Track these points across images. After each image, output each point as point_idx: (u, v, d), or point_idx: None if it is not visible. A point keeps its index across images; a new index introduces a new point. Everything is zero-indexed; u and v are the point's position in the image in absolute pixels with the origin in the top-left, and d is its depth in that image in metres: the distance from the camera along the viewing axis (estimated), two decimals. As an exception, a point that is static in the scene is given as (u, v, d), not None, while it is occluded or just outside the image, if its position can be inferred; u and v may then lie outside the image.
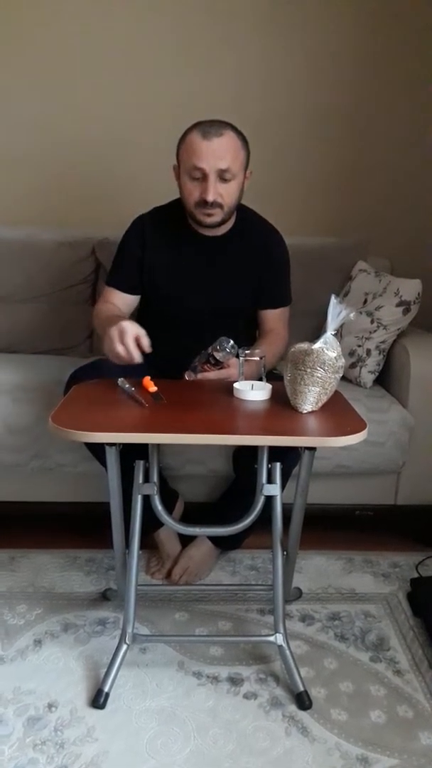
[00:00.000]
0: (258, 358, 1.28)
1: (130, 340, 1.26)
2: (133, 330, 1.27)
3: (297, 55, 2.14)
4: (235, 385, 1.25)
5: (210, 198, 1.40)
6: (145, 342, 1.28)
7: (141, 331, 1.28)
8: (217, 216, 1.45)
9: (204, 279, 1.55)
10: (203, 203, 1.42)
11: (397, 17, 2.12)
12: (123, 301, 1.57)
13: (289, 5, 2.10)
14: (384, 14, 2.11)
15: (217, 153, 1.38)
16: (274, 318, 1.62)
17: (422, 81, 2.18)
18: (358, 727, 1.20)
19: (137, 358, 1.26)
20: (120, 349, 1.26)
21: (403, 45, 2.15)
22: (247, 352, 1.27)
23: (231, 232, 1.55)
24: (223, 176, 1.40)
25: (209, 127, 1.39)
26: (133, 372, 1.32)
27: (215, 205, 1.42)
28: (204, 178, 1.40)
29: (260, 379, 1.28)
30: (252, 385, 1.25)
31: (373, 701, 1.26)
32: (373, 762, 1.12)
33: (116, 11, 2.09)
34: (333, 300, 1.18)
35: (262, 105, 2.17)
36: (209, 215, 1.45)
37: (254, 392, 1.23)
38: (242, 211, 1.56)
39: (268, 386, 1.24)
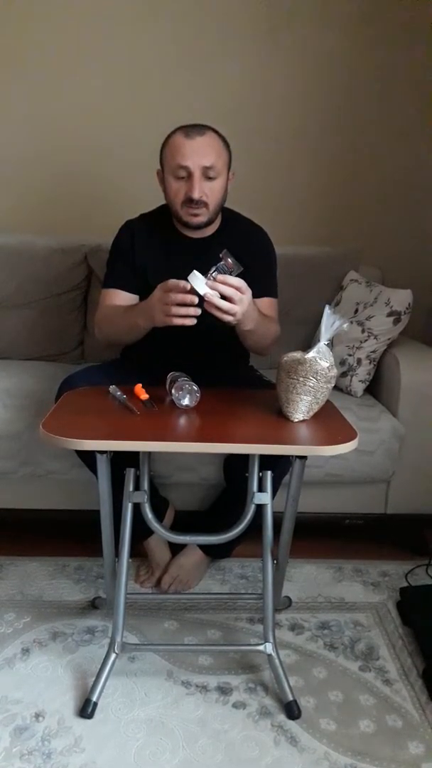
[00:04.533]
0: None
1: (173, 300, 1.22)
2: (162, 289, 1.24)
3: (292, 66, 2.16)
4: (195, 271, 1.19)
5: (195, 195, 1.41)
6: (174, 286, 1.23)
7: (165, 287, 1.25)
8: (203, 216, 1.46)
9: None
10: (189, 201, 1.43)
11: (395, 32, 2.14)
12: (124, 302, 1.55)
13: (286, 17, 2.11)
14: (381, 28, 2.13)
15: (201, 151, 1.39)
16: (264, 308, 1.57)
17: (417, 94, 2.20)
18: (347, 736, 1.20)
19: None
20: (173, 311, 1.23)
21: (400, 59, 2.16)
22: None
23: (217, 232, 1.56)
24: (207, 174, 1.41)
25: (191, 128, 1.42)
26: (125, 379, 1.31)
27: (201, 203, 1.43)
28: (189, 176, 1.41)
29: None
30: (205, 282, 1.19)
31: (362, 711, 1.26)
32: (362, 772, 1.13)
33: (114, 18, 2.10)
34: (327, 310, 1.18)
35: (257, 116, 2.18)
36: (195, 215, 1.45)
37: (201, 286, 1.17)
38: (227, 213, 1.58)
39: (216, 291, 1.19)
